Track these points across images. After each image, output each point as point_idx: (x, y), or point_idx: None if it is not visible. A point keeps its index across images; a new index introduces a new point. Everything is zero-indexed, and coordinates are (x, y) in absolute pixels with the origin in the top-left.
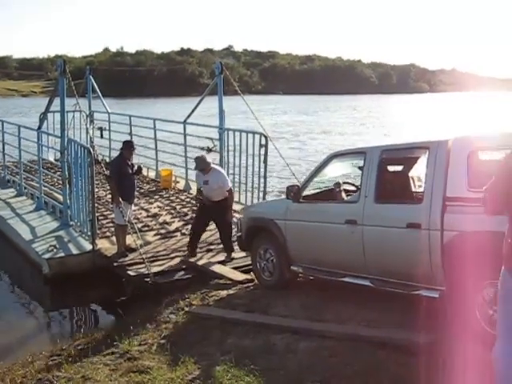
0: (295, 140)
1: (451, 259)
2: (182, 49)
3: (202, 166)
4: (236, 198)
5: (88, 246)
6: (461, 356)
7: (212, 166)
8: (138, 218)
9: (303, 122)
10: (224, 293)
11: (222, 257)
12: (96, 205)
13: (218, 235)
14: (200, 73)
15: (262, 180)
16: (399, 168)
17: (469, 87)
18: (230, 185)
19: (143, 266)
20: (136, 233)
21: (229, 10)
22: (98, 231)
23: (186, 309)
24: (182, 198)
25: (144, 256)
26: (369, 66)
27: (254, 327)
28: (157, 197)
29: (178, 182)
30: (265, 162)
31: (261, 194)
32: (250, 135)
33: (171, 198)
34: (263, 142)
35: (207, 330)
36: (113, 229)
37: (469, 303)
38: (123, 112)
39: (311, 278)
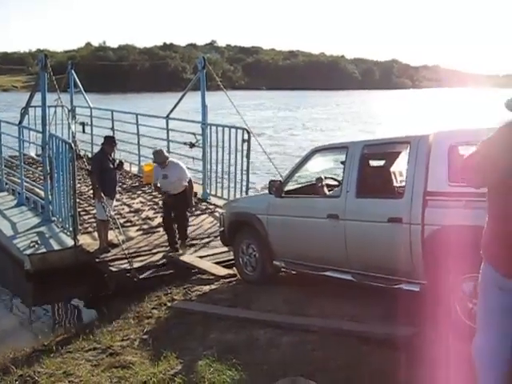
0: (278, 135)
1: (432, 253)
2: (165, 44)
3: (161, 159)
4: (219, 193)
5: (70, 242)
6: (442, 349)
7: (170, 159)
8: (120, 214)
9: (286, 118)
10: (207, 288)
11: (204, 252)
12: (78, 200)
13: (200, 230)
14: (183, 68)
15: (245, 175)
16: (381, 163)
17: (452, 83)
18: (189, 176)
19: (125, 261)
20: (118, 228)
21: (212, 5)
22: (80, 227)
23: (169, 304)
24: None
25: (126, 251)
26: (352, 61)
27: (237, 322)
28: (139, 192)
29: None
30: (247, 157)
31: (244, 189)
32: (233, 130)
33: (154, 194)
34: (246, 137)
35: (190, 324)
36: (95, 224)
37: (449, 297)
38: (106, 107)
39: (294, 272)
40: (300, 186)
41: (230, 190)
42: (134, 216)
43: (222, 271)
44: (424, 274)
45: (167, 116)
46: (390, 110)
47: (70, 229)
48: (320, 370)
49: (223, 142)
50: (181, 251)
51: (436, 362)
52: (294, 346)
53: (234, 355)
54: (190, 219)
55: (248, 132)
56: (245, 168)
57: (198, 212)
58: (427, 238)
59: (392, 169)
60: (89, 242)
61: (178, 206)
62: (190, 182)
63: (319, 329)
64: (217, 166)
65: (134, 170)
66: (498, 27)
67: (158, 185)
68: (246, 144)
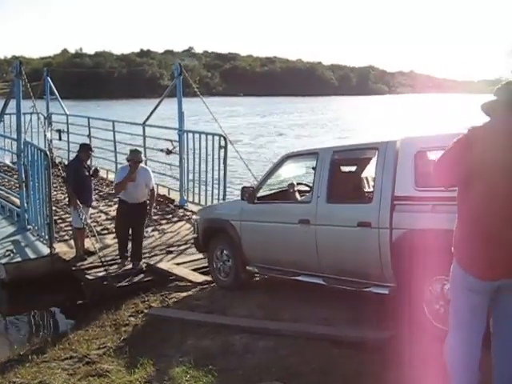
0: (255, 142)
1: (400, 256)
2: (142, 50)
3: (138, 157)
4: (196, 200)
5: (46, 250)
6: (413, 351)
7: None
8: (97, 221)
9: (263, 124)
10: (184, 294)
11: (181, 259)
12: (54, 208)
13: (177, 237)
14: (160, 74)
15: (222, 181)
16: (352, 168)
17: (427, 89)
18: (154, 184)
19: (102, 269)
20: (95, 236)
21: (189, 12)
22: (56, 235)
23: (146, 311)
24: None
25: (103, 259)
26: (329, 67)
27: (214, 328)
28: (116, 199)
29: None
30: (224, 163)
31: (221, 196)
32: (210, 137)
33: None
34: (222, 143)
35: (166, 331)
36: (71, 232)
37: (417, 299)
38: (82, 114)
39: (266, 277)
40: (272, 192)
41: (207, 197)
42: (110, 223)
43: (199, 278)
44: (393, 277)
45: (144, 123)
46: (366, 116)
47: (46, 237)
48: (294, 375)
49: (200, 148)
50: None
51: (408, 364)
52: (269, 351)
53: (210, 361)
54: (167, 226)
55: (225, 138)
56: (222, 174)
57: (176, 219)
58: (395, 242)
59: (363, 174)
60: (65, 250)
61: (136, 220)
62: (153, 190)
63: (293, 333)
64: (194, 173)
65: (111, 177)
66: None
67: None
68: (222, 150)
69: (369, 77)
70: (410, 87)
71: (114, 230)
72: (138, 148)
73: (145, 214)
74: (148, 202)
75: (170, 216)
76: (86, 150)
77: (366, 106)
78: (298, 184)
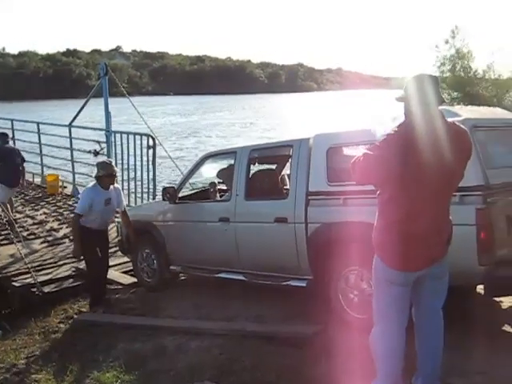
0: (184, 141)
1: (315, 250)
2: (68, 50)
3: (113, 170)
4: (126, 202)
5: None
6: (341, 342)
7: None
8: (23, 226)
9: (192, 123)
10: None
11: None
12: None
13: None
14: (88, 74)
15: (152, 182)
16: (272, 166)
17: (354, 85)
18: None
19: (29, 275)
20: (21, 241)
21: (117, 10)
22: None
23: (76, 316)
24: (70, 203)
25: (30, 265)
26: (258, 65)
27: (145, 331)
28: (43, 203)
29: (65, 187)
30: (153, 163)
31: (151, 197)
32: (138, 137)
33: (58, 204)
34: (151, 143)
35: (97, 336)
36: None
37: (333, 290)
38: (5, 116)
39: (196, 277)
40: (194, 191)
41: (137, 198)
42: (37, 228)
43: (129, 280)
44: (310, 270)
45: (70, 124)
46: (293, 113)
47: None
48: (226, 373)
49: (128, 149)
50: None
51: (336, 356)
52: (202, 351)
53: (141, 364)
54: None
55: (153, 138)
56: (151, 175)
57: None
58: (311, 236)
59: (283, 171)
60: None
61: (103, 246)
62: (125, 212)
63: (225, 332)
64: (122, 174)
65: (37, 180)
66: (398, 30)
67: (84, 217)
68: (151, 151)
69: (298, 74)
70: (338, 84)
71: (41, 235)
72: (64, 150)
73: (107, 239)
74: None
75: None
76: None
77: (294, 103)
78: (220, 183)
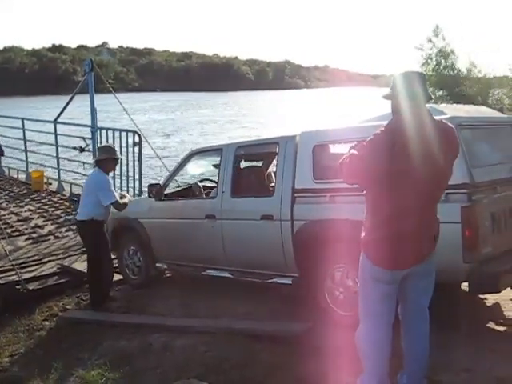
0: (171, 138)
1: (301, 247)
2: (54, 45)
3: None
4: None
5: None
6: (329, 339)
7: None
8: (7, 223)
9: (179, 120)
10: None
11: None
12: None
13: None
14: (74, 70)
15: (138, 179)
16: (258, 163)
17: (341, 83)
18: None
19: (13, 272)
20: (5, 238)
21: (103, 5)
22: None
23: (61, 314)
24: (55, 199)
25: (14, 262)
26: (245, 62)
27: (131, 328)
28: (28, 200)
29: (50, 184)
30: (139, 160)
31: (137, 193)
32: (124, 134)
33: (43, 201)
34: (137, 140)
35: (82, 334)
36: None
37: (319, 287)
38: None
39: (183, 274)
40: (180, 188)
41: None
42: (22, 225)
43: (115, 277)
44: (295, 268)
45: (55, 120)
46: (283, 110)
47: None
48: (213, 371)
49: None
50: None
51: (324, 354)
52: (188, 349)
53: (127, 362)
54: None
55: (139, 135)
56: (137, 172)
57: None
58: (296, 233)
59: (270, 169)
60: None
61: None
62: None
63: (212, 330)
64: None
65: (22, 176)
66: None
67: (99, 208)
68: (137, 147)
69: (285, 71)
70: (326, 81)
71: (25, 232)
72: (49, 146)
73: None
74: None
75: None
76: None
77: (281, 101)
78: (206, 180)
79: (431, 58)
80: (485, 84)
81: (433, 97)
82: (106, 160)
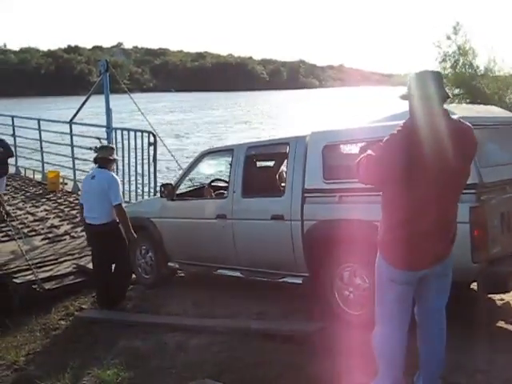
0: (186, 138)
1: (311, 247)
2: (70, 46)
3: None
4: (127, 198)
5: None
6: (343, 340)
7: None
8: (24, 223)
9: (194, 120)
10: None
11: None
12: None
13: None
14: (89, 71)
15: (153, 179)
16: (269, 163)
17: (355, 82)
18: None
19: (30, 272)
20: (21, 238)
21: (118, 6)
22: None
23: (76, 313)
24: (71, 199)
25: (30, 262)
26: (260, 62)
27: (145, 328)
28: (44, 200)
29: (65, 184)
30: (154, 160)
31: (151, 194)
32: (139, 134)
33: (59, 201)
34: (152, 140)
35: (98, 334)
36: None
37: (329, 287)
38: (6, 113)
39: (185, 272)
40: (192, 188)
41: (137, 195)
42: (38, 225)
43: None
44: (305, 267)
45: (70, 121)
46: (296, 110)
47: None
48: (227, 371)
49: (129, 145)
50: None
51: (337, 354)
52: (202, 349)
53: (142, 361)
54: None
55: (154, 135)
56: (152, 172)
57: None
58: (306, 233)
59: (281, 169)
60: None
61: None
62: None
63: (226, 329)
64: (123, 171)
65: (38, 177)
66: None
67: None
68: (152, 147)
69: (299, 71)
70: (340, 81)
71: (41, 232)
72: (65, 147)
73: None
74: None
75: None
76: None
77: (296, 100)
78: (217, 180)
79: (449, 55)
80: (503, 82)
81: (450, 95)
82: (112, 160)
